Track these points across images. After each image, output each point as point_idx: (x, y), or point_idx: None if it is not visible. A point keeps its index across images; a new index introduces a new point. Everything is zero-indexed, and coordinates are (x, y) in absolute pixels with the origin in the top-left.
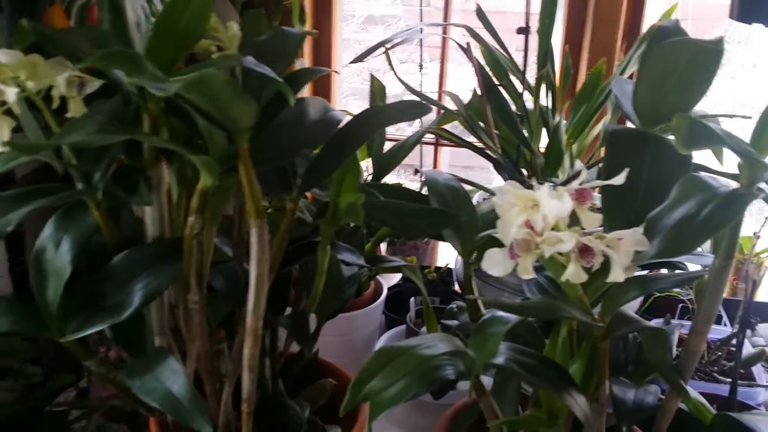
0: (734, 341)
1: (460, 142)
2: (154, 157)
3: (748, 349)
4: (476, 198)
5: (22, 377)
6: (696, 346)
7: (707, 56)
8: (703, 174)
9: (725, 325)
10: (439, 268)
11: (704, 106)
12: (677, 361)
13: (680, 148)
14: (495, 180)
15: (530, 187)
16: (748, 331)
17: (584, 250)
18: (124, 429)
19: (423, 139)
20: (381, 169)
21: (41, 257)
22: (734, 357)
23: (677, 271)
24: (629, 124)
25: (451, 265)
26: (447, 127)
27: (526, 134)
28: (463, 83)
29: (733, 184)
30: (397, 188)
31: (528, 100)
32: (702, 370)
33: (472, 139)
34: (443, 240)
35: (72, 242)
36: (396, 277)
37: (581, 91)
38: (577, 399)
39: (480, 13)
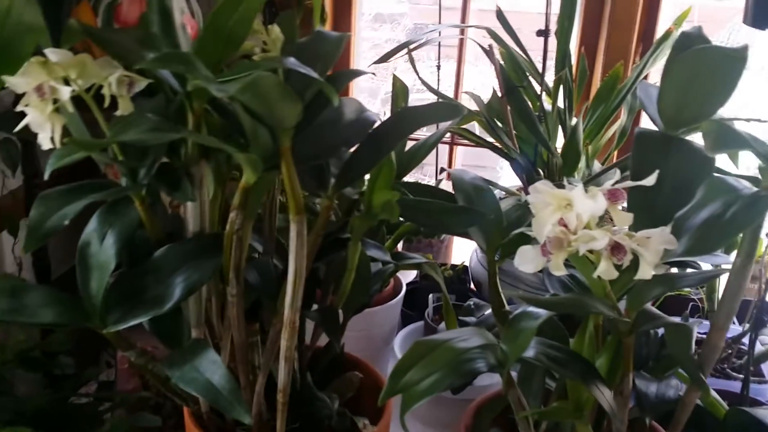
0: (745, 339)
1: (480, 142)
2: (198, 154)
3: (757, 348)
4: None
5: (57, 368)
6: (717, 341)
7: (731, 63)
8: (727, 176)
9: (733, 323)
10: (455, 265)
11: None
12: (697, 357)
13: (708, 150)
14: (501, 179)
15: (562, 186)
16: None
17: (615, 248)
18: (155, 419)
19: None
20: (403, 167)
21: (86, 251)
22: (745, 354)
23: (700, 270)
24: (643, 125)
25: (467, 263)
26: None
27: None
28: (475, 82)
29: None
30: (424, 186)
31: (544, 101)
32: (714, 367)
33: (489, 139)
34: (469, 237)
35: (116, 237)
36: (412, 275)
37: (598, 93)
38: (603, 391)
39: (500, 16)
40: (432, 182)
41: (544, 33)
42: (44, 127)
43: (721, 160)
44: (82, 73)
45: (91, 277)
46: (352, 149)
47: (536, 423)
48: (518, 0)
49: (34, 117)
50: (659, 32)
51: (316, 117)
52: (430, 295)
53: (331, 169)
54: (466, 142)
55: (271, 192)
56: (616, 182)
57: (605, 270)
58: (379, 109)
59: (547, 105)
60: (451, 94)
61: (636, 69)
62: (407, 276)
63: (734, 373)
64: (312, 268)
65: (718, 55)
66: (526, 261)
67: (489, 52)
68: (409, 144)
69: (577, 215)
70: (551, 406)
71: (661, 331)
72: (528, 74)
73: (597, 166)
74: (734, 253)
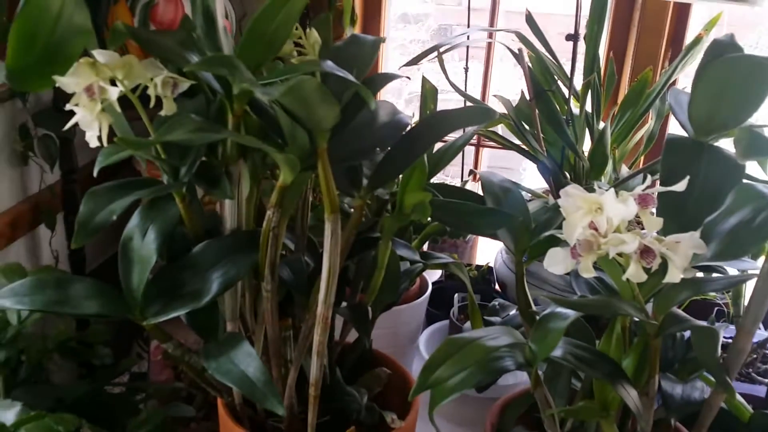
0: None
1: (508, 145)
2: (237, 153)
3: None
4: None
5: (95, 358)
6: (743, 345)
7: (764, 72)
8: (756, 183)
9: (759, 328)
10: (480, 266)
11: None
12: (723, 360)
13: (740, 157)
14: (524, 181)
15: (590, 190)
16: None
17: (645, 252)
18: (189, 410)
19: None
20: (431, 168)
21: (128, 245)
22: None
23: (727, 274)
24: (670, 131)
25: (491, 264)
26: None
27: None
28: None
29: None
30: (452, 187)
31: (572, 105)
32: (738, 371)
33: (515, 140)
34: (497, 239)
35: (157, 232)
36: (437, 274)
37: (626, 98)
38: (629, 392)
39: (530, 19)
40: (454, 183)
41: (573, 37)
42: (92, 125)
43: (750, 166)
44: (129, 74)
45: (133, 270)
46: (385, 151)
47: (561, 422)
48: (544, 1)
49: (84, 116)
50: (689, 37)
51: (352, 119)
52: (456, 295)
53: (364, 170)
54: (492, 144)
55: (304, 191)
56: (647, 187)
57: (634, 273)
58: (403, 109)
59: (575, 109)
60: (477, 96)
61: (665, 74)
62: (432, 275)
63: (759, 378)
64: (342, 266)
65: (752, 64)
66: (556, 263)
67: (518, 56)
68: (437, 145)
69: (607, 219)
70: (578, 405)
71: (687, 333)
72: (556, 78)
73: (624, 170)
74: (761, 259)
